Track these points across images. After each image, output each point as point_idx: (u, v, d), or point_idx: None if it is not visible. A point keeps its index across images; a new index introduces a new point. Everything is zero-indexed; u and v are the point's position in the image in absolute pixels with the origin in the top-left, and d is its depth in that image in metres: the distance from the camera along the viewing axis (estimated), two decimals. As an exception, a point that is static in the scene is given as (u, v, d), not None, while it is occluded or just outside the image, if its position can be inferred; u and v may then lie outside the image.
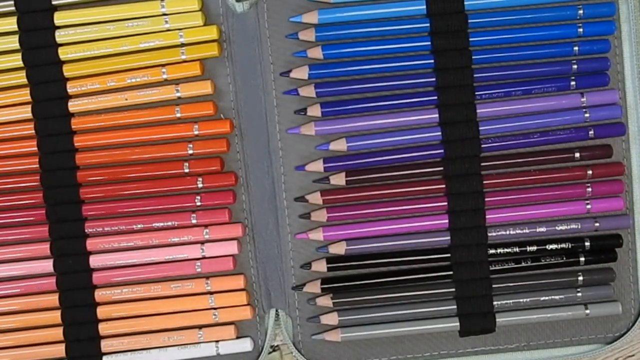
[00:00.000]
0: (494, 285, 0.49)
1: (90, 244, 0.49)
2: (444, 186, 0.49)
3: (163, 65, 0.48)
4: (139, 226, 0.49)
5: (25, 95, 0.48)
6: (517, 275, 0.50)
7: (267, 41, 0.49)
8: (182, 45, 0.48)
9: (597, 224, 0.49)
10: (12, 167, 0.49)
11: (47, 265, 0.49)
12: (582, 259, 0.49)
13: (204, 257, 0.49)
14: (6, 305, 0.50)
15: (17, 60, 0.48)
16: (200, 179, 0.49)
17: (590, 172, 0.48)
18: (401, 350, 0.50)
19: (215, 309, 0.50)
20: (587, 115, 0.48)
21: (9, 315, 0.50)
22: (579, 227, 0.49)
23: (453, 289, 0.49)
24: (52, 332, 0.50)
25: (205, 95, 0.49)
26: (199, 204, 0.49)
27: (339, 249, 0.49)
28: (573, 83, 0.48)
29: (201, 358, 0.50)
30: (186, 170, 0.49)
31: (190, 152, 0.49)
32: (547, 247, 0.49)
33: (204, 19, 0.48)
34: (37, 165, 0.48)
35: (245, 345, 0.50)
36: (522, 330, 0.50)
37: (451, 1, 0.47)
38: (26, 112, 0.48)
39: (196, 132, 0.48)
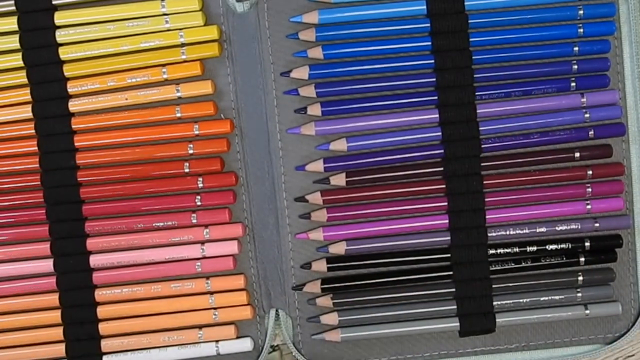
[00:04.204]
0: (494, 285, 0.49)
1: (90, 243, 0.49)
2: (444, 186, 0.49)
3: (163, 65, 0.48)
4: (139, 226, 0.49)
5: (25, 94, 0.48)
6: (517, 275, 0.50)
7: (268, 41, 0.49)
8: (183, 45, 0.48)
9: (597, 224, 0.49)
10: (12, 167, 0.49)
11: (47, 265, 0.49)
12: (582, 259, 0.49)
13: (204, 257, 0.49)
14: (6, 305, 0.50)
15: (17, 60, 0.48)
16: (200, 178, 0.49)
17: (590, 172, 0.48)
18: (401, 350, 0.50)
19: (215, 308, 0.50)
20: (587, 115, 0.48)
21: (9, 315, 0.50)
22: (579, 227, 0.49)
23: (453, 289, 0.49)
24: (52, 331, 0.50)
25: (205, 95, 0.49)
26: (199, 203, 0.49)
27: (339, 249, 0.49)
28: (573, 84, 0.48)
29: (201, 358, 0.50)
30: (186, 170, 0.49)
31: (191, 152, 0.49)
32: (547, 247, 0.49)
33: (204, 19, 0.48)
34: (38, 165, 0.49)
35: (245, 345, 0.50)
36: (522, 330, 0.50)
37: (451, 1, 0.47)
38: (26, 111, 0.48)
39: (196, 132, 0.48)
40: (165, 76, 0.48)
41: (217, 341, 0.50)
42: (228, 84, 0.49)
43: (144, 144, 0.49)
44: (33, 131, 0.48)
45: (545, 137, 0.48)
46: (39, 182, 0.49)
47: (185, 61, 0.48)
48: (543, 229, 0.49)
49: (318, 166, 0.49)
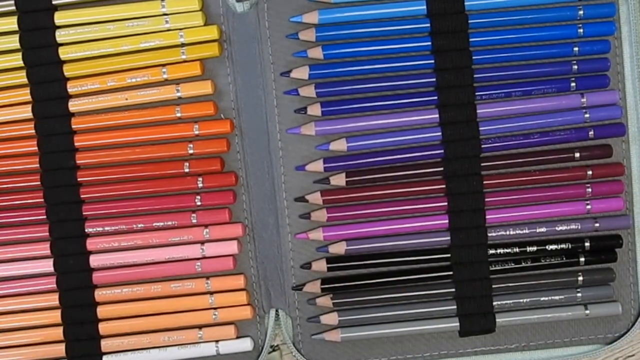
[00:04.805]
0: (494, 286, 0.49)
1: (90, 243, 0.49)
2: (444, 186, 0.49)
3: (163, 65, 0.48)
4: (139, 226, 0.49)
5: (25, 94, 0.48)
6: (517, 275, 0.50)
7: (268, 41, 0.49)
8: (183, 45, 0.48)
9: (597, 224, 0.49)
10: (12, 167, 0.49)
11: (47, 265, 0.49)
12: (582, 259, 0.49)
13: (204, 257, 0.49)
14: (6, 305, 0.50)
15: (17, 59, 0.48)
16: (200, 178, 0.49)
17: (590, 172, 0.48)
18: (401, 350, 0.51)
19: (215, 308, 0.50)
20: (587, 115, 0.48)
21: (9, 315, 0.50)
22: (579, 227, 0.49)
23: (453, 289, 0.49)
24: (52, 331, 0.50)
25: (205, 95, 0.49)
26: (199, 203, 0.49)
27: (339, 249, 0.49)
28: (573, 84, 0.48)
29: (201, 358, 0.50)
30: (186, 170, 0.49)
31: (191, 152, 0.49)
32: (547, 247, 0.49)
33: (204, 19, 0.48)
34: (38, 165, 0.49)
35: (245, 345, 0.50)
36: (522, 330, 0.50)
37: (451, 1, 0.47)
38: (26, 111, 0.48)
39: (196, 132, 0.48)
40: (165, 76, 0.48)
41: (217, 341, 0.50)
42: (228, 84, 0.49)
43: (144, 144, 0.49)
44: (33, 131, 0.48)
45: (545, 137, 0.48)
46: (39, 182, 0.49)
47: (185, 61, 0.48)
48: (543, 229, 0.49)
49: (318, 166, 0.49)
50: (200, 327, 0.50)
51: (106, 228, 0.49)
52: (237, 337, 0.51)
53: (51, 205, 0.49)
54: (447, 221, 0.49)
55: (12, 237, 0.49)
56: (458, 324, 0.49)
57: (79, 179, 0.49)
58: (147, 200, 0.49)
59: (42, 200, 0.49)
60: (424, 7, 0.47)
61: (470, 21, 0.47)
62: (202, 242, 0.49)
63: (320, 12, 0.47)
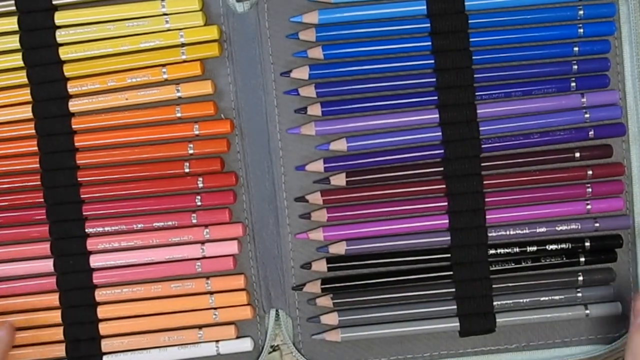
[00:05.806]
0: (494, 286, 0.49)
1: (90, 243, 0.49)
2: (444, 186, 0.49)
3: (163, 65, 0.48)
4: (139, 226, 0.49)
5: (25, 95, 0.48)
6: (517, 275, 0.50)
7: (268, 41, 0.49)
8: (183, 45, 0.48)
9: (597, 224, 0.49)
10: (12, 167, 0.49)
11: (48, 265, 0.49)
12: (582, 259, 0.49)
13: (204, 257, 0.49)
14: (6, 305, 0.50)
15: (17, 60, 0.48)
16: (200, 178, 0.49)
17: (590, 172, 0.48)
18: (401, 350, 0.51)
19: (215, 308, 0.50)
20: (587, 115, 0.48)
21: (9, 315, 0.50)
22: (579, 227, 0.49)
23: (453, 289, 0.49)
24: (52, 332, 0.50)
25: (205, 95, 0.49)
26: (199, 203, 0.49)
27: (339, 249, 0.49)
28: (573, 84, 0.48)
29: (201, 358, 0.50)
30: (186, 170, 0.49)
31: (191, 152, 0.49)
32: (547, 247, 0.49)
33: (204, 19, 0.48)
34: (38, 165, 0.49)
35: (245, 345, 0.50)
36: (522, 330, 0.50)
37: (451, 1, 0.47)
38: (26, 111, 0.48)
39: (196, 132, 0.48)
40: (165, 76, 0.48)
41: (217, 341, 0.50)
42: (228, 84, 0.49)
43: (144, 144, 0.49)
44: (33, 131, 0.48)
45: (545, 137, 0.48)
46: (39, 182, 0.49)
47: (185, 61, 0.48)
48: (543, 229, 0.49)
49: (318, 166, 0.49)
50: (200, 327, 0.50)
51: (106, 228, 0.49)
52: (237, 337, 0.51)
53: (51, 205, 0.49)
54: (447, 221, 0.49)
55: (13, 237, 0.49)
56: (458, 324, 0.49)
57: (79, 179, 0.49)
58: (147, 200, 0.49)
59: (42, 200, 0.49)
60: (424, 7, 0.47)
61: (470, 21, 0.47)
62: (202, 242, 0.49)
63: (320, 12, 0.47)
